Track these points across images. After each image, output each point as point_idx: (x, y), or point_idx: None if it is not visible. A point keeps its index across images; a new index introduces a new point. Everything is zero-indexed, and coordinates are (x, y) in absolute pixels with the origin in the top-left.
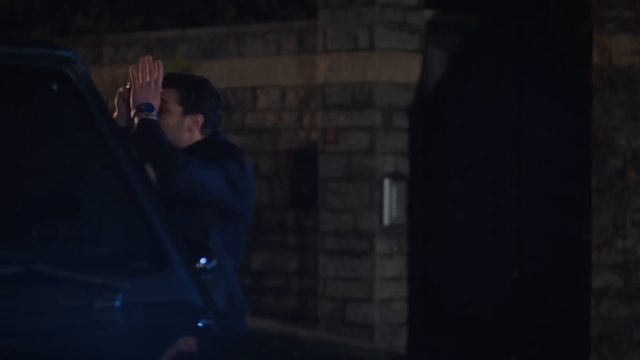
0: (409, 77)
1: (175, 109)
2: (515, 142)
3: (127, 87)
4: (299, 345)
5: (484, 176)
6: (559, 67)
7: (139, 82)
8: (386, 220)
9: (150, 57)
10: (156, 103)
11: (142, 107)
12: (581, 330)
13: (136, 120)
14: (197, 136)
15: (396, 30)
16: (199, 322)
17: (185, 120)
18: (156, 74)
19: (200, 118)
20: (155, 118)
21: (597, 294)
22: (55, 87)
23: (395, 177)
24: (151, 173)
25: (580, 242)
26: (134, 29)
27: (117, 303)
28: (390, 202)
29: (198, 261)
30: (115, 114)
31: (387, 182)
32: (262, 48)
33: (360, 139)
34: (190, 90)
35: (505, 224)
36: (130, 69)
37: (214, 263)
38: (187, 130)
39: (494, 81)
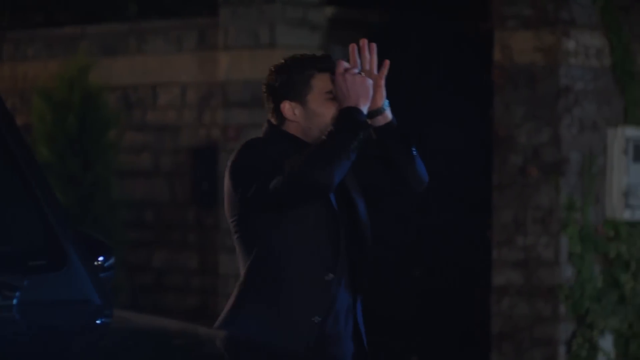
0: None
1: None
2: (419, 140)
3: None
4: (199, 344)
5: None
6: (461, 64)
7: (358, 69)
8: None
9: (366, 40)
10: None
11: (383, 106)
12: (482, 328)
13: (375, 121)
14: None
15: (297, 27)
16: (97, 320)
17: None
18: (372, 61)
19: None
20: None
21: (498, 291)
22: None
23: None
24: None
25: (482, 240)
26: (35, 26)
27: (15, 301)
28: None
29: (96, 259)
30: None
31: None
32: (163, 45)
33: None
34: None
35: (407, 221)
36: (350, 48)
37: (111, 261)
38: None
39: (397, 78)
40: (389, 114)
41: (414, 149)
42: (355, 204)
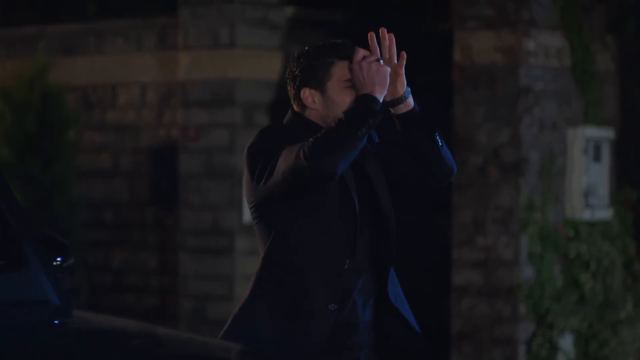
0: (270, 74)
1: None
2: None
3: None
4: (159, 344)
5: None
6: (421, 64)
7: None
8: (246, 218)
9: (385, 29)
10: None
11: (405, 94)
12: (442, 328)
13: (396, 109)
14: None
15: (257, 26)
16: (55, 320)
17: None
18: (391, 49)
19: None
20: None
21: (458, 291)
22: None
23: None
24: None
25: (441, 240)
26: None
27: None
28: None
29: (55, 259)
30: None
31: None
32: (122, 45)
33: (220, 136)
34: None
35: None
36: (370, 37)
37: (70, 261)
38: None
39: None
40: (411, 102)
41: (438, 137)
42: (376, 193)
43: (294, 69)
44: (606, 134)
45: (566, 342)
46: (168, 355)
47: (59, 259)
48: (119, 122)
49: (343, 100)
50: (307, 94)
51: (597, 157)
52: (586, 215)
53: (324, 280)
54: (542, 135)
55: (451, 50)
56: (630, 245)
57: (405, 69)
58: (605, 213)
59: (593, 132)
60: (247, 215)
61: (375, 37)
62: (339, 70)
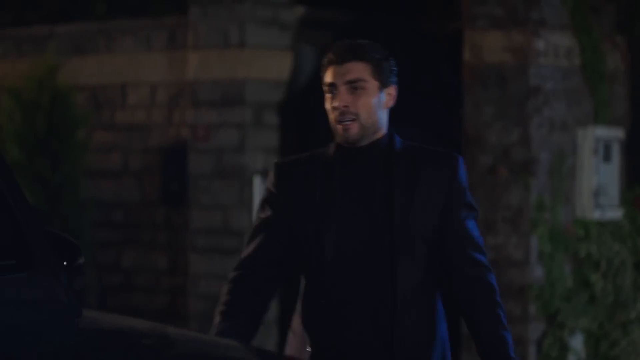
0: (280, 74)
1: (373, 84)
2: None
3: None
4: (169, 344)
5: None
6: (431, 64)
7: None
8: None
9: None
10: None
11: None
12: (453, 328)
13: None
14: (385, 119)
15: (267, 26)
16: (65, 320)
17: (382, 96)
18: None
19: (393, 90)
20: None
21: None
22: None
23: (266, 174)
24: None
25: None
26: (3, 25)
27: None
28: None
29: (65, 259)
30: None
31: (257, 180)
32: (132, 44)
33: (230, 136)
34: (380, 58)
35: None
36: None
37: (80, 261)
38: (384, 108)
39: None
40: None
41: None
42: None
43: None
44: (616, 133)
45: (577, 342)
46: (179, 355)
47: (68, 259)
48: (128, 122)
49: (328, 108)
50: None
51: (607, 157)
52: (596, 215)
53: (316, 277)
54: (552, 135)
55: (461, 49)
56: None
57: (414, 69)
58: (615, 213)
59: (603, 131)
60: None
61: None
62: (325, 76)
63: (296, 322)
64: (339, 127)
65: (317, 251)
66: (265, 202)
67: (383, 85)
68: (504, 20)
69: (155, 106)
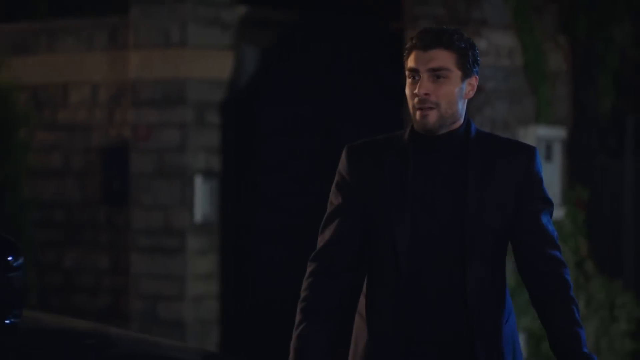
0: (221, 74)
1: (456, 74)
2: (329, 138)
3: None
4: (110, 344)
5: (297, 172)
6: (373, 63)
7: None
8: (198, 217)
9: None
10: None
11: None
12: None
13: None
14: (464, 108)
15: (208, 26)
16: (5, 320)
17: (464, 86)
18: None
19: (475, 80)
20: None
21: None
22: None
23: (207, 173)
24: None
25: None
26: None
27: None
28: (202, 199)
29: (5, 259)
30: None
31: (198, 179)
32: (73, 44)
33: (171, 136)
34: (465, 47)
35: (318, 220)
36: None
37: (20, 261)
38: (464, 98)
39: (309, 77)
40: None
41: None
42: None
43: None
44: (558, 133)
45: None
46: (120, 356)
47: (9, 258)
48: (70, 122)
49: (408, 94)
50: None
51: (548, 157)
52: None
53: (383, 302)
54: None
55: (403, 49)
56: (582, 245)
57: (357, 69)
58: (557, 212)
59: (544, 131)
60: (198, 214)
61: None
62: (407, 61)
63: (362, 305)
64: (418, 113)
65: (388, 240)
66: (337, 187)
67: (466, 75)
68: (446, 20)
69: (96, 106)
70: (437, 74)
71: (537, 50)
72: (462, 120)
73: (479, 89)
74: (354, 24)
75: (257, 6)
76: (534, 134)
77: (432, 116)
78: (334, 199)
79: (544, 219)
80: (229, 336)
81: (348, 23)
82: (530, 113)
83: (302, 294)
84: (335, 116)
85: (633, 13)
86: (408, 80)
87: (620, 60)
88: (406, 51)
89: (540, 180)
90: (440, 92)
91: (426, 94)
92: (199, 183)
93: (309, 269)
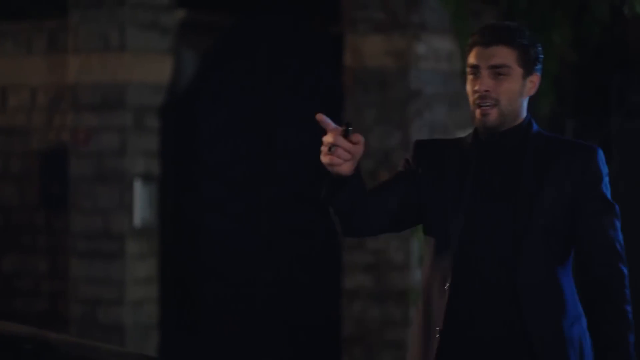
0: (161, 78)
1: (517, 71)
2: (270, 143)
3: None
4: (49, 348)
5: (238, 176)
6: (313, 67)
7: None
8: (137, 222)
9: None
10: None
11: None
12: (333, 331)
13: None
14: (525, 107)
15: (148, 30)
16: None
17: (525, 83)
18: None
19: (537, 78)
20: None
21: (348, 294)
22: None
23: (147, 178)
24: None
25: (333, 243)
26: None
27: None
28: (142, 203)
29: None
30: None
31: (137, 183)
32: (12, 47)
33: (111, 140)
34: (527, 45)
35: (258, 224)
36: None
37: None
38: (525, 96)
39: (249, 81)
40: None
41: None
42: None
43: None
44: None
45: None
46: None
47: None
48: (8, 125)
49: (468, 90)
50: None
51: None
52: None
53: (434, 302)
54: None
55: (342, 53)
56: None
57: (296, 73)
58: None
59: None
60: (137, 219)
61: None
62: (469, 57)
63: (421, 300)
64: (478, 111)
65: (443, 236)
66: (402, 165)
67: (527, 72)
68: (385, 24)
69: (35, 109)
70: (498, 71)
71: None
72: (522, 118)
73: (418, 94)
74: (294, 28)
75: (196, 10)
76: None
77: (493, 114)
78: (398, 167)
79: (604, 221)
80: (169, 341)
81: (288, 27)
82: (468, 117)
83: None
84: (275, 119)
85: (571, 17)
86: (469, 77)
87: (559, 64)
88: (468, 47)
89: (600, 181)
90: (501, 89)
91: (486, 91)
92: (138, 187)
93: None
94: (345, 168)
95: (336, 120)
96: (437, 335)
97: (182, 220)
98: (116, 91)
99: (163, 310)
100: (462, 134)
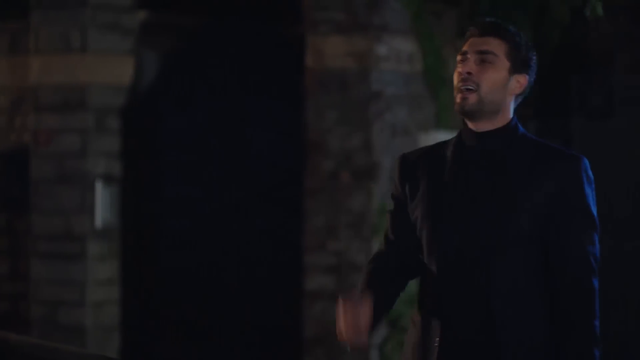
0: (122, 79)
1: (503, 63)
2: (232, 144)
3: None
4: (10, 350)
5: (200, 178)
6: (276, 68)
7: None
8: (98, 223)
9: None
10: None
11: None
12: (295, 332)
13: None
14: (510, 107)
15: (109, 31)
16: None
17: (511, 80)
18: None
19: (524, 79)
20: None
21: (310, 296)
22: None
23: (108, 179)
24: None
25: (295, 244)
26: None
27: None
28: (103, 204)
29: None
30: None
31: (99, 185)
32: None
33: (72, 141)
34: (520, 43)
35: (220, 225)
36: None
37: None
38: (509, 93)
39: (212, 82)
40: None
41: None
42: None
43: None
44: None
45: None
46: None
47: None
48: None
49: (454, 76)
50: None
51: None
52: None
53: (429, 316)
54: (394, 140)
55: (304, 54)
56: None
57: (260, 74)
58: None
59: (444, 136)
60: (99, 220)
61: None
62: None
63: (415, 312)
64: (459, 95)
65: (428, 243)
66: (392, 197)
67: (514, 69)
68: (346, 26)
69: None
70: (483, 58)
71: (436, 56)
72: (508, 119)
73: (379, 95)
74: (256, 30)
75: (158, 11)
76: (435, 140)
77: (471, 98)
78: (391, 208)
79: (582, 235)
80: (130, 342)
81: (250, 29)
82: (430, 118)
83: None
84: (238, 121)
85: (532, 19)
86: (458, 65)
87: None
88: (464, 41)
89: (582, 192)
90: (484, 75)
91: (469, 73)
92: (99, 188)
93: (364, 270)
94: (364, 338)
95: (296, 121)
96: (436, 345)
97: (144, 222)
98: (77, 92)
99: (124, 311)
100: (423, 135)
